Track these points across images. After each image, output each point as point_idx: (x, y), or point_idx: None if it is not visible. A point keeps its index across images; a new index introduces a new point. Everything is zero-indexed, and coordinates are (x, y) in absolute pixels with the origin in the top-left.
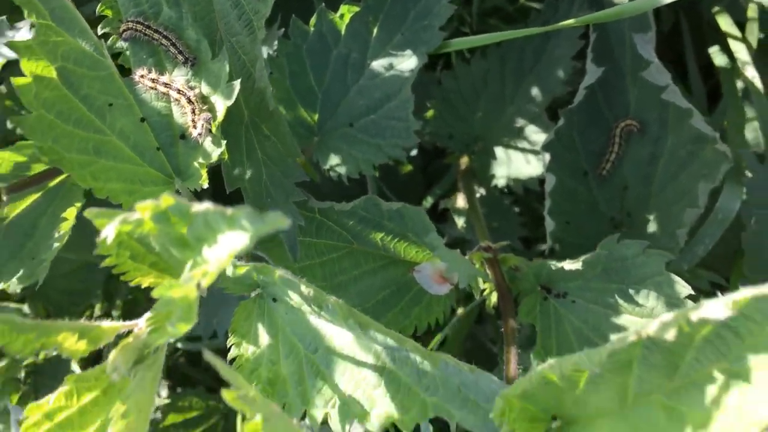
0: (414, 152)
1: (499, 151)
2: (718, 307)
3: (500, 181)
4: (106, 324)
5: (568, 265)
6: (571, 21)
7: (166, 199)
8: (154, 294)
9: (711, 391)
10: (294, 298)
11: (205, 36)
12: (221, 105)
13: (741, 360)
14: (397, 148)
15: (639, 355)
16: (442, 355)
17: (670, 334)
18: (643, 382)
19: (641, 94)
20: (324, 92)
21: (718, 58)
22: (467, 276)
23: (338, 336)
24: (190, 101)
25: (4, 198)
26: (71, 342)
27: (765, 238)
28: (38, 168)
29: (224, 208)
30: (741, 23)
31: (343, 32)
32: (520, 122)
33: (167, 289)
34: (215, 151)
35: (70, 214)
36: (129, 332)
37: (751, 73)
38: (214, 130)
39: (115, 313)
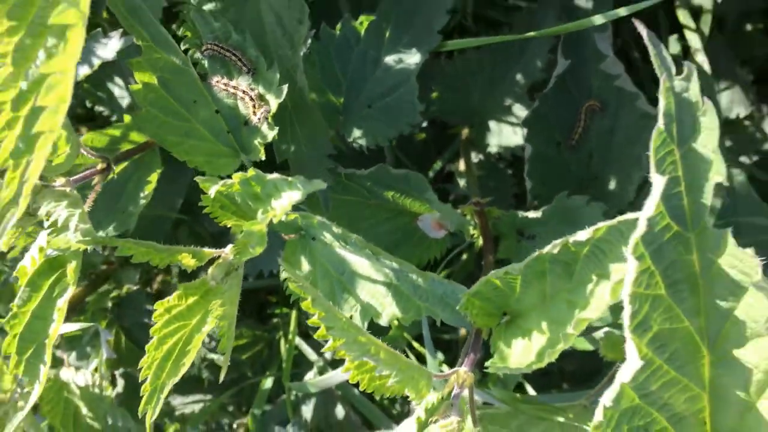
0: (425, 124)
1: (492, 124)
2: (583, 234)
3: (493, 149)
4: (207, 249)
5: (533, 214)
6: (546, 30)
7: (251, 171)
8: (235, 231)
9: (590, 287)
10: (327, 237)
11: (261, 52)
12: (274, 102)
13: (605, 267)
14: (406, 125)
15: (548, 267)
16: (430, 274)
17: (559, 252)
18: (553, 286)
19: (600, 81)
20: (348, 81)
21: (673, 46)
22: (457, 223)
23: (358, 262)
24: (251, 99)
25: (113, 166)
26: (187, 259)
27: None
28: (125, 146)
29: (286, 176)
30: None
31: (362, 35)
32: (508, 101)
33: (249, 225)
34: (270, 134)
35: (153, 178)
36: (219, 256)
37: (701, 58)
38: (269, 119)
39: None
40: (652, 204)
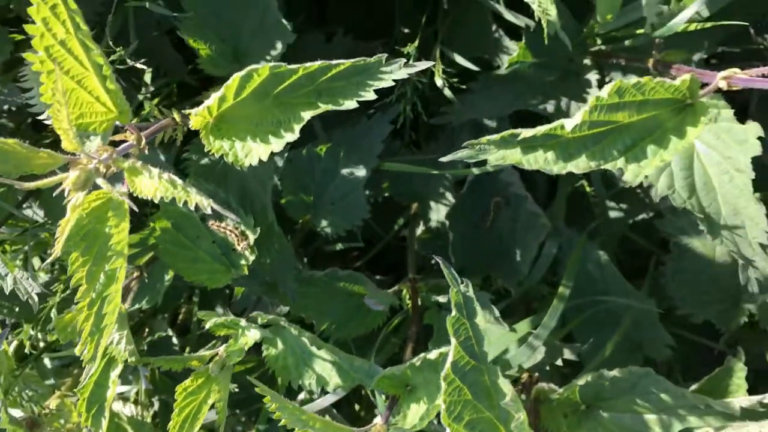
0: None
1: (432, 204)
2: (433, 354)
3: (433, 224)
4: (208, 352)
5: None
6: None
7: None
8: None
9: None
10: (293, 329)
11: (243, 196)
12: (252, 237)
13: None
14: (359, 220)
15: (421, 367)
16: (357, 359)
17: (420, 364)
18: (425, 378)
19: (501, 183)
20: (315, 187)
21: None
22: (386, 301)
23: (313, 347)
24: (236, 235)
25: (145, 273)
26: (196, 363)
27: None
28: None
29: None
30: None
31: (323, 155)
32: (441, 190)
33: (233, 344)
34: (251, 257)
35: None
36: (217, 354)
37: None
38: (249, 247)
39: None
40: (453, 349)
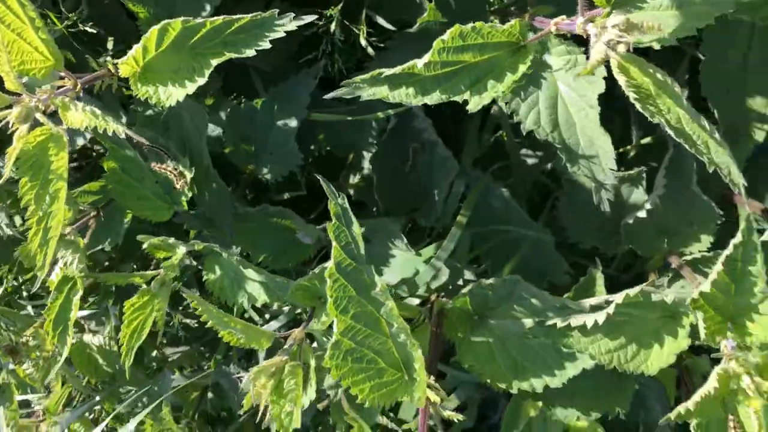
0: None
1: (364, 153)
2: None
3: (365, 171)
4: (150, 272)
5: None
6: (376, 115)
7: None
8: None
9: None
10: (226, 255)
11: (182, 142)
12: (188, 176)
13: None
14: (295, 166)
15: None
16: (278, 277)
17: (318, 272)
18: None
19: (416, 130)
20: (256, 138)
21: None
22: (313, 236)
23: (245, 270)
24: (175, 175)
25: (102, 212)
26: (139, 279)
27: None
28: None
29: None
30: None
31: (260, 109)
32: (369, 139)
33: (167, 266)
34: (189, 194)
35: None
36: (159, 274)
37: None
38: (187, 185)
39: None
40: (335, 251)
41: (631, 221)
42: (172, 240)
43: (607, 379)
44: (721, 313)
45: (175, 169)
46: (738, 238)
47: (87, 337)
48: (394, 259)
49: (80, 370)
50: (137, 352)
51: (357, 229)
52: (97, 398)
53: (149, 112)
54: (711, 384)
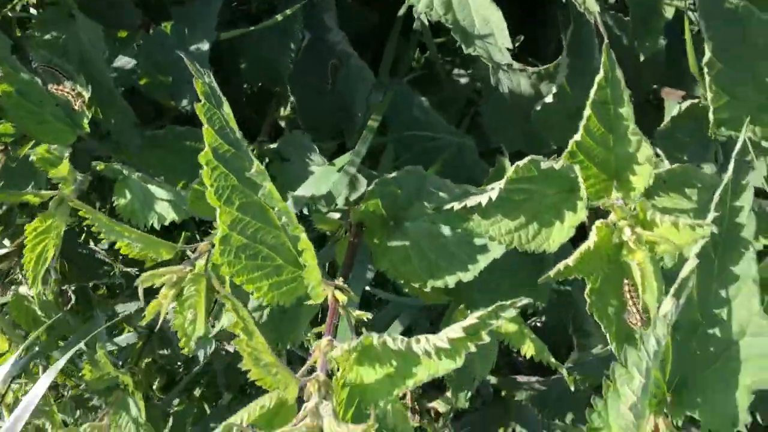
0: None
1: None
2: None
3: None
4: (46, 192)
5: None
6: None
7: None
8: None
9: None
10: (134, 176)
11: (81, 62)
12: (86, 95)
13: None
14: None
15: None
16: (183, 191)
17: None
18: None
19: (329, 44)
20: (170, 66)
21: None
22: None
23: (152, 188)
24: (73, 96)
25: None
26: (33, 198)
27: None
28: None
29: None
30: None
31: (169, 31)
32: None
33: (62, 188)
34: (89, 114)
35: None
36: (56, 195)
37: None
38: (86, 105)
39: None
40: (207, 134)
41: (539, 108)
42: (55, 146)
43: (526, 278)
44: (603, 169)
45: (73, 90)
46: (601, 74)
47: (23, 289)
48: (312, 175)
49: (19, 322)
50: (85, 306)
51: (228, 110)
52: (36, 349)
53: (47, 36)
54: (591, 239)
